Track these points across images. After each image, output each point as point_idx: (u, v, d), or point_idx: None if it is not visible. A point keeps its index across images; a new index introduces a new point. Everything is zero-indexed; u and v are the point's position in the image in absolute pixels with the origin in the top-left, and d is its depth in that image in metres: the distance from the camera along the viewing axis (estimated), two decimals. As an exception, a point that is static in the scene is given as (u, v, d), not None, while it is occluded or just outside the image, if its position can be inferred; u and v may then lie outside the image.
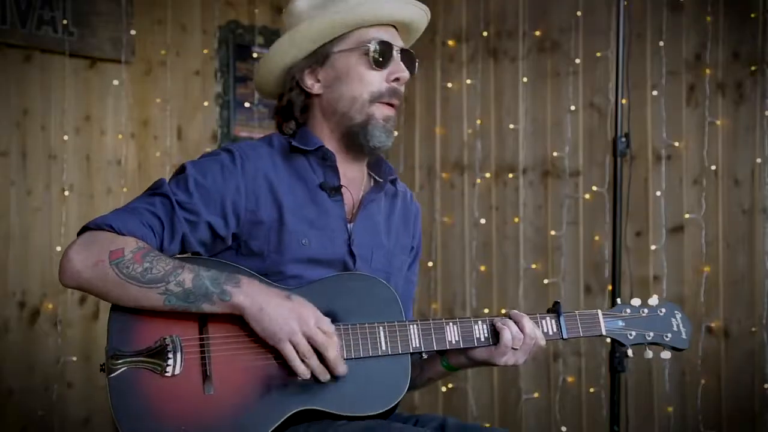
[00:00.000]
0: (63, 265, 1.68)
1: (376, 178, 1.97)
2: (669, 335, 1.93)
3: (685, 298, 3.85)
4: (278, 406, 1.66)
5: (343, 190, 1.88)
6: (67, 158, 3.73)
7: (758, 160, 3.72)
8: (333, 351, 1.66)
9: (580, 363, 4.10)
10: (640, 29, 3.93)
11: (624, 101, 3.12)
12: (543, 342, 1.84)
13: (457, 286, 4.44)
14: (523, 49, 4.31)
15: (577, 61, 4.15)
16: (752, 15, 3.72)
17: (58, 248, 3.67)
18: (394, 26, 1.91)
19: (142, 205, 1.74)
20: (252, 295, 1.65)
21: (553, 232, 4.19)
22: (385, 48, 1.85)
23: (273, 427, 1.65)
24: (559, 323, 1.87)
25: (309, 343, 1.65)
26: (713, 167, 3.81)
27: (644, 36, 3.95)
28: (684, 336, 1.94)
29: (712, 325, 3.79)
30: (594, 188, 4.09)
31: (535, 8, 4.28)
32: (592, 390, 4.04)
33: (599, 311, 1.91)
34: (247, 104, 4.27)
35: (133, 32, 3.86)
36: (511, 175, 4.33)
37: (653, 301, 1.96)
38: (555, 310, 1.89)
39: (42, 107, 3.67)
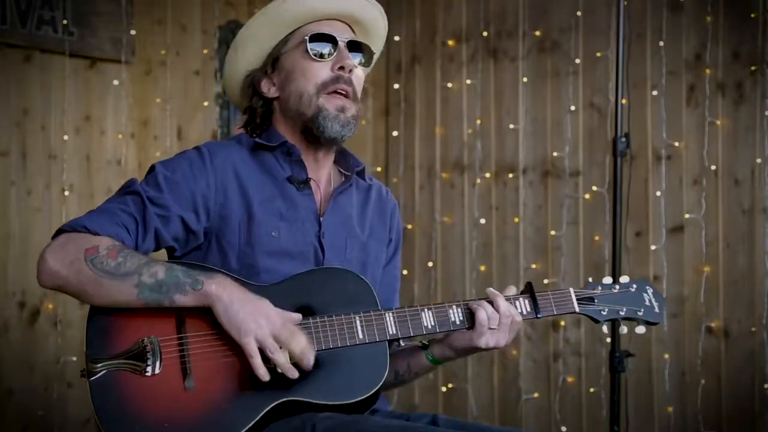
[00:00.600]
0: (39, 267, 1.70)
1: (343, 172, 2.00)
2: (642, 310, 1.96)
3: (685, 298, 3.85)
4: (258, 399, 1.68)
5: (312, 184, 1.92)
6: (67, 158, 3.73)
7: (758, 160, 3.72)
8: (297, 345, 1.66)
9: (580, 363, 4.10)
10: (640, 29, 3.94)
11: (624, 101, 3.12)
12: (519, 318, 1.86)
13: (457, 286, 4.44)
14: (523, 49, 4.31)
15: (577, 61, 4.15)
16: (752, 15, 3.72)
17: (58, 248, 3.67)
18: (344, 22, 1.95)
19: (114, 205, 1.77)
20: (223, 287, 1.67)
21: (553, 232, 4.19)
22: (323, 39, 1.89)
23: (254, 420, 1.66)
24: (534, 302, 1.89)
25: (275, 340, 1.66)
26: (713, 167, 3.81)
27: (644, 36, 3.95)
28: (657, 310, 1.97)
29: (712, 325, 3.79)
30: (594, 188, 4.09)
31: (535, 8, 4.28)
32: (592, 390, 4.04)
33: (571, 289, 1.94)
34: (247, 104, 4.27)
35: (133, 32, 3.86)
36: (511, 175, 4.33)
37: (624, 279, 2.00)
38: (528, 290, 1.91)
39: (42, 107, 3.67)
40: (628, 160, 3.43)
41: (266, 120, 1.96)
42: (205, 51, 4.16)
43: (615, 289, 1.97)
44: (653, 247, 3.93)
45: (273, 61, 1.94)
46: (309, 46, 1.88)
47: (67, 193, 3.72)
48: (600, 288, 1.97)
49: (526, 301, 1.89)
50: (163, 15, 4.01)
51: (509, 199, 4.34)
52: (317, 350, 1.71)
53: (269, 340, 1.65)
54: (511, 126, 4.32)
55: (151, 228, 1.76)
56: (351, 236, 1.95)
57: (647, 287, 1.99)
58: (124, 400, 1.64)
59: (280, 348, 1.66)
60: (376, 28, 2.01)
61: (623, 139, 3.06)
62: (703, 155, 3.84)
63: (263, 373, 1.65)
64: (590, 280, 2.00)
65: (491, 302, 1.85)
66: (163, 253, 1.90)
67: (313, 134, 1.89)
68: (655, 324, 1.98)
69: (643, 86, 3.95)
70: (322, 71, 1.88)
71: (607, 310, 1.95)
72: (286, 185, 1.89)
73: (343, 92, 1.89)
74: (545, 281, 4.18)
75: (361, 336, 1.75)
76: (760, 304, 3.70)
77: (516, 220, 4.30)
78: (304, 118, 1.89)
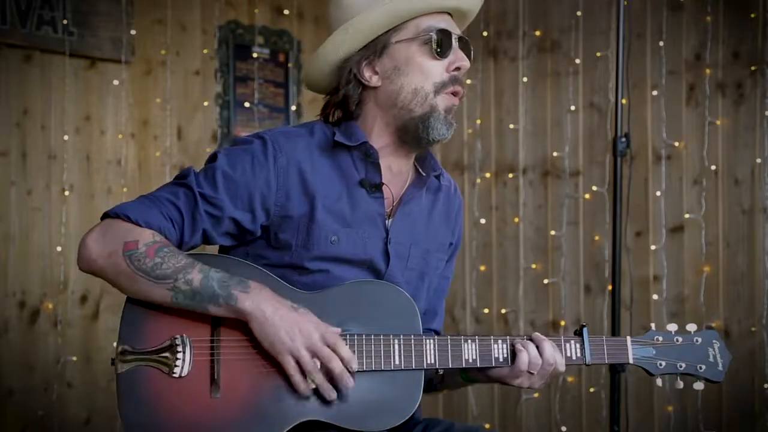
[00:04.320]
0: (80, 252, 1.67)
1: (421, 171, 1.90)
2: (703, 366, 1.82)
3: (685, 298, 3.86)
4: (283, 415, 1.64)
5: (384, 188, 1.82)
6: (67, 158, 3.73)
7: (758, 160, 3.72)
8: (338, 364, 1.62)
9: (580, 363, 4.09)
10: (640, 29, 3.94)
11: (624, 101, 3.12)
12: (562, 368, 1.77)
13: (457, 286, 4.44)
14: (523, 49, 4.31)
15: (577, 61, 4.15)
16: (752, 15, 3.72)
17: (59, 248, 3.67)
18: (449, 13, 1.83)
19: (165, 195, 1.72)
20: (258, 303, 1.62)
21: (553, 232, 4.19)
22: (445, 37, 1.78)
23: None
24: (584, 347, 1.79)
25: (313, 357, 1.62)
26: (713, 167, 3.81)
27: (644, 36, 3.95)
28: (720, 368, 1.83)
29: (712, 325, 3.79)
30: (594, 188, 4.09)
31: (535, 8, 4.28)
32: (592, 390, 4.04)
33: (628, 338, 1.82)
34: (247, 104, 4.27)
35: (133, 32, 3.86)
36: (511, 175, 4.33)
37: (691, 327, 1.85)
38: (580, 333, 1.80)
39: (42, 107, 3.67)
40: (628, 160, 3.43)
41: (357, 108, 1.83)
42: (205, 51, 4.16)
43: (678, 340, 1.83)
44: (653, 247, 3.93)
45: (381, 48, 1.79)
46: (433, 43, 1.76)
47: (67, 193, 3.72)
48: (661, 338, 1.83)
49: (577, 345, 1.79)
50: (163, 15, 4.01)
51: (509, 199, 4.34)
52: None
53: (307, 358, 1.62)
54: (511, 126, 4.32)
55: (200, 228, 1.71)
56: (415, 244, 1.86)
57: (714, 341, 1.84)
58: (149, 397, 1.62)
59: (320, 367, 1.62)
60: (471, 18, 1.91)
61: (623, 139, 3.06)
62: (703, 155, 3.84)
63: (304, 389, 1.62)
64: (653, 327, 1.86)
65: (536, 345, 1.75)
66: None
67: (416, 134, 1.79)
68: (715, 382, 1.83)
69: (643, 86, 3.96)
70: (440, 70, 1.78)
71: (664, 363, 1.81)
72: (356, 188, 1.79)
73: (457, 93, 1.81)
74: (545, 281, 4.18)
75: (397, 362, 1.68)
76: (760, 304, 3.70)
77: (516, 220, 4.30)
78: (412, 115, 1.78)
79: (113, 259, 1.64)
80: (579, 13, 4.14)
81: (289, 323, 1.62)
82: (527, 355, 1.73)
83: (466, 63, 1.80)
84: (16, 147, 3.61)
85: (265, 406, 1.64)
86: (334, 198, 1.77)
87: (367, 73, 1.81)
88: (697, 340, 1.83)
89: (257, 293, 1.63)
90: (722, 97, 3.81)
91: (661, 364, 1.81)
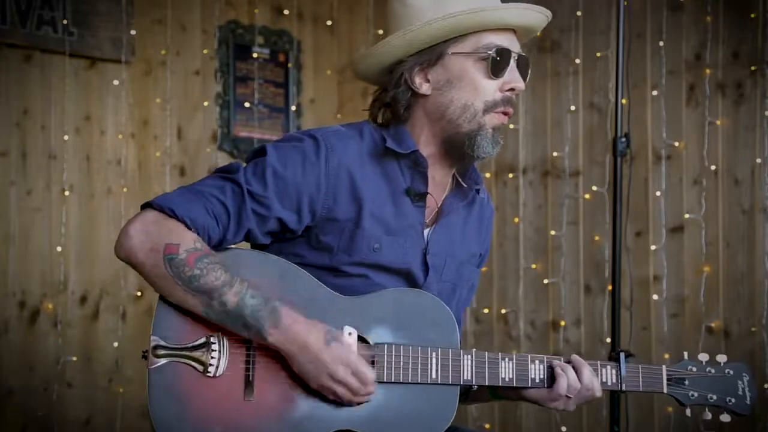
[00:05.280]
0: (121, 240, 1.62)
1: (462, 183, 1.86)
2: (733, 399, 1.85)
3: (685, 298, 3.85)
4: (316, 423, 1.64)
5: (428, 198, 1.80)
6: (67, 158, 3.73)
7: (758, 160, 3.72)
8: (361, 398, 1.64)
9: (580, 363, 4.09)
10: (640, 29, 3.93)
11: (624, 101, 3.11)
12: (599, 394, 1.77)
13: (457, 286, 4.43)
14: (523, 49, 4.30)
15: (577, 61, 4.15)
16: (752, 15, 3.72)
17: (59, 248, 3.67)
18: (513, 29, 1.80)
19: (211, 190, 1.67)
20: (289, 338, 1.61)
21: (553, 232, 4.19)
22: (504, 56, 1.74)
23: None
24: (620, 374, 1.79)
25: (345, 388, 1.63)
26: (713, 167, 3.81)
27: (644, 36, 3.95)
28: (748, 401, 1.86)
29: (712, 325, 3.79)
30: (594, 188, 4.09)
31: (535, 8, 4.27)
32: (592, 390, 4.03)
33: (664, 367, 1.83)
34: (247, 104, 4.27)
35: (133, 32, 3.86)
36: (511, 175, 4.33)
37: (721, 358, 1.87)
38: (617, 358, 1.80)
39: (42, 107, 3.67)
40: (628, 160, 3.43)
41: (405, 113, 1.79)
42: (205, 51, 4.16)
43: (711, 371, 1.84)
44: (653, 247, 3.93)
45: (437, 57, 1.75)
46: (490, 61, 1.72)
47: (67, 193, 3.72)
48: (695, 368, 1.84)
49: (613, 372, 1.79)
50: (163, 15, 4.02)
51: (509, 199, 4.34)
52: (387, 381, 1.66)
53: (342, 393, 1.63)
54: (511, 126, 4.32)
55: (245, 227, 1.67)
56: (451, 256, 1.84)
57: (744, 374, 1.86)
58: (180, 394, 1.59)
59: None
60: (537, 31, 1.88)
61: (623, 139, 3.05)
62: (703, 155, 3.84)
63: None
64: (686, 356, 1.87)
65: (575, 369, 1.75)
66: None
67: (461, 149, 1.75)
68: (741, 415, 1.86)
69: (643, 86, 3.95)
70: (493, 88, 1.74)
71: (697, 394, 1.83)
72: (401, 196, 1.76)
73: (508, 114, 1.78)
74: (545, 281, 4.18)
75: (434, 376, 1.68)
76: (760, 304, 3.70)
77: (516, 220, 4.30)
78: (458, 130, 1.74)
79: (153, 257, 1.60)
80: (579, 13, 4.14)
81: (319, 364, 1.61)
82: (566, 379, 1.73)
83: (520, 85, 1.77)
84: (16, 147, 3.61)
85: (299, 414, 1.63)
86: (379, 204, 1.75)
87: (418, 80, 1.77)
88: (729, 372, 1.85)
89: (287, 327, 1.61)
90: (722, 97, 3.81)
91: (693, 395, 1.83)
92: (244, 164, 1.73)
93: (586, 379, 1.74)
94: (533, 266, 4.24)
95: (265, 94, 4.35)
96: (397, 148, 1.76)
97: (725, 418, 1.85)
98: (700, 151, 3.85)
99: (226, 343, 1.63)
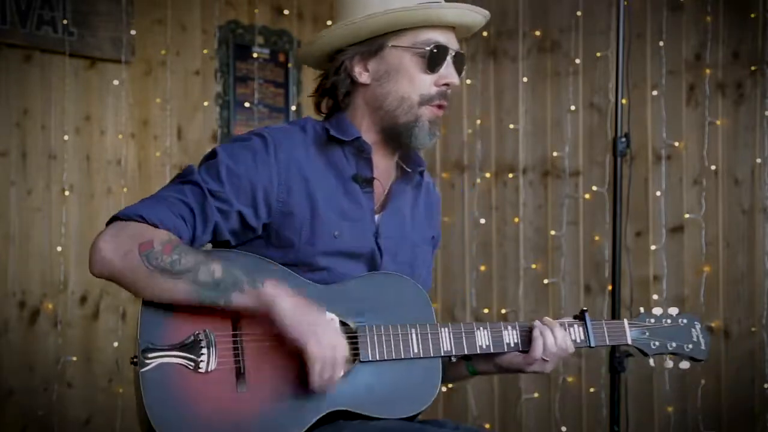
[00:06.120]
0: (93, 256, 1.63)
1: (405, 168, 1.94)
2: (690, 346, 1.98)
3: (685, 298, 3.85)
4: (311, 406, 1.66)
5: (375, 183, 1.86)
6: (67, 158, 3.73)
7: (758, 160, 3.72)
8: (333, 379, 1.65)
9: (580, 363, 4.10)
10: (640, 29, 3.94)
11: (624, 101, 3.12)
12: (572, 350, 1.86)
13: (457, 286, 4.44)
14: (523, 49, 4.31)
15: (577, 61, 4.15)
16: (752, 15, 3.72)
17: (59, 248, 3.67)
18: (452, 26, 1.85)
19: (172, 194, 1.70)
20: (281, 289, 1.64)
21: (553, 232, 4.19)
22: (440, 52, 1.80)
23: (306, 427, 1.65)
24: (587, 331, 1.89)
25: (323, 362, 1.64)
26: (713, 167, 3.81)
27: (644, 36, 3.95)
28: (703, 347, 1.99)
29: (712, 325, 3.79)
30: (594, 188, 4.09)
31: (535, 8, 4.28)
32: (592, 390, 4.04)
33: (625, 320, 1.95)
34: (247, 104, 4.27)
35: (133, 32, 3.86)
36: (511, 175, 4.33)
37: (673, 311, 2.01)
38: (582, 317, 1.90)
39: (42, 107, 3.67)
40: (628, 160, 3.43)
41: (345, 100, 1.86)
42: (205, 51, 4.16)
43: (667, 322, 1.98)
44: (653, 247, 3.93)
45: (377, 48, 1.81)
46: (427, 56, 1.79)
47: (67, 193, 3.72)
48: (653, 320, 1.98)
49: (580, 329, 1.89)
50: (163, 15, 4.01)
51: (509, 199, 4.34)
52: (370, 360, 1.71)
53: (328, 361, 1.63)
54: (511, 126, 4.32)
55: (212, 222, 1.70)
56: (403, 237, 1.90)
57: (695, 323, 2.01)
58: (175, 395, 1.60)
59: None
60: (476, 29, 1.93)
61: (623, 139, 3.05)
62: (703, 155, 3.84)
63: (319, 385, 1.64)
64: (642, 310, 2.01)
65: (551, 330, 1.83)
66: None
67: (399, 139, 1.83)
68: (700, 361, 1.99)
69: (643, 86, 3.96)
70: (428, 83, 1.81)
71: (657, 343, 1.96)
72: (349, 182, 1.82)
73: (442, 107, 1.84)
74: (545, 281, 4.18)
75: (416, 350, 1.74)
76: (760, 304, 3.70)
77: (516, 220, 4.30)
78: (396, 121, 1.81)
79: (129, 259, 1.61)
80: (579, 13, 4.14)
81: (311, 320, 1.63)
82: (543, 341, 1.81)
83: (455, 80, 1.83)
84: (16, 147, 3.61)
85: (292, 399, 1.66)
86: (332, 193, 1.80)
87: (357, 69, 1.83)
88: (682, 322, 2.00)
89: (279, 282, 1.65)
90: (722, 97, 3.81)
91: (654, 344, 1.96)
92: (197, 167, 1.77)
93: (560, 339, 1.83)
94: (533, 266, 4.24)
95: (265, 94, 4.34)
96: (341, 136, 1.82)
97: (684, 365, 1.99)
98: (700, 151, 3.85)
99: (213, 338, 1.64)
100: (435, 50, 1.79)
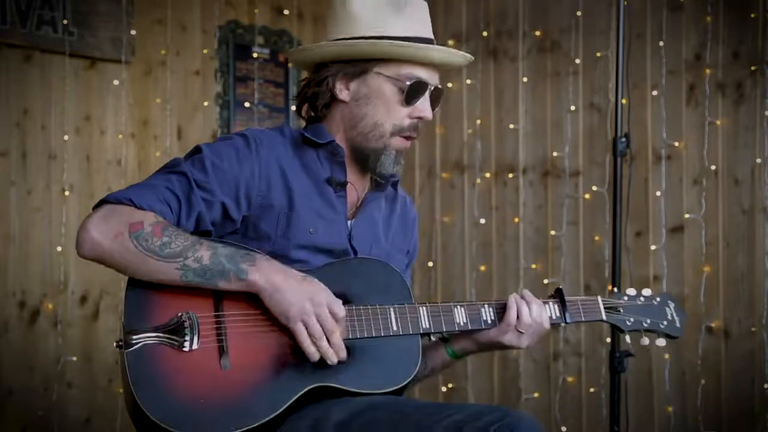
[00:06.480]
0: (81, 236, 1.68)
1: (378, 180, 1.98)
2: (664, 323, 2.02)
3: (685, 298, 3.85)
4: (293, 382, 1.70)
5: (348, 187, 1.92)
6: (67, 158, 3.73)
7: (758, 160, 3.72)
8: (337, 337, 1.70)
9: (580, 363, 4.10)
10: (640, 29, 3.94)
11: (624, 101, 3.12)
12: (548, 325, 1.90)
13: (457, 286, 4.44)
14: (523, 49, 4.31)
15: (577, 61, 4.15)
16: (752, 15, 3.72)
17: (59, 248, 3.67)
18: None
19: (159, 182, 1.77)
20: (267, 275, 1.68)
21: (553, 232, 4.19)
22: (420, 88, 1.87)
23: (288, 403, 1.68)
24: (563, 308, 1.93)
25: (320, 325, 1.69)
26: (713, 167, 3.81)
27: (644, 36, 3.95)
28: (678, 325, 2.04)
29: (712, 325, 3.79)
30: (594, 188, 4.09)
31: (535, 8, 4.28)
32: (592, 390, 4.04)
33: (599, 297, 1.99)
34: (247, 104, 4.27)
35: (133, 32, 3.86)
36: (511, 175, 4.33)
37: (647, 291, 2.05)
38: (558, 295, 1.95)
39: (42, 107, 3.67)
40: (628, 160, 3.43)
41: (324, 110, 1.94)
42: (205, 51, 4.16)
43: (640, 300, 2.02)
44: (653, 247, 3.93)
45: (360, 71, 1.88)
46: (407, 92, 1.85)
47: (67, 193, 3.72)
48: (626, 298, 2.01)
49: (556, 306, 1.94)
50: (163, 15, 4.01)
51: (509, 199, 4.34)
52: (353, 338, 1.75)
53: (316, 327, 1.68)
54: (511, 126, 4.32)
55: (195, 211, 1.76)
56: (376, 243, 1.96)
57: (669, 301, 2.05)
58: (160, 373, 1.64)
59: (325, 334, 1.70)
60: (456, 68, 2.01)
61: (623, 139, 3.06)
62: (703, 155, 3.84)
63: (313, 352, 1.68)
64: (615, 290, 2.05)
65: (527, 303, 1.88)
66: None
67: (366, 161, 1.90)
68: (675, 338, 2.03)
69: (643, 86, 3.96)
70: (403, 114, 1.87)
71: (632, 320, 1.99)
72: (323, 185, 1.89)
73: (410, 138, 1.91)
74: (545, 281, 4.18)
75: (395, 328, 1.79)
76: (760, 304, 3.70)
77: (516, 220, 4.30)
78: (366, 144, 1.89)
79: (120, 241, 1.66)
80: (579, 13, 4.14)
81: (299, 292, 1.68)
82: (515, 310, 1.87)
83: (428, 116, 1.89)
84: (16, 147, 3.61)
85: (275, 375, 1.69)
86: (307, 192, 1.86)
87: (339, 86, 1.89)
88: (656, 300, 2.04)
89: (264, 265, 1.70)
90: (722, 97, 3.81)
91: (629, 321, 2.00)
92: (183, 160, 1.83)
93: (535, 312, 1.88)
94: (533, 266, 4.24)
95: (265, 94, 4.35)
96: (315, 138, 1.89)
97: (660, 342, 2.04)
98: (700, 151, 3.85)
99: (196, 319, 1.68)
100: (415, 86, 1.86)
